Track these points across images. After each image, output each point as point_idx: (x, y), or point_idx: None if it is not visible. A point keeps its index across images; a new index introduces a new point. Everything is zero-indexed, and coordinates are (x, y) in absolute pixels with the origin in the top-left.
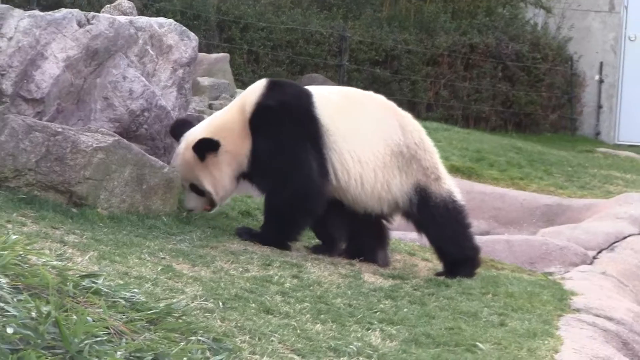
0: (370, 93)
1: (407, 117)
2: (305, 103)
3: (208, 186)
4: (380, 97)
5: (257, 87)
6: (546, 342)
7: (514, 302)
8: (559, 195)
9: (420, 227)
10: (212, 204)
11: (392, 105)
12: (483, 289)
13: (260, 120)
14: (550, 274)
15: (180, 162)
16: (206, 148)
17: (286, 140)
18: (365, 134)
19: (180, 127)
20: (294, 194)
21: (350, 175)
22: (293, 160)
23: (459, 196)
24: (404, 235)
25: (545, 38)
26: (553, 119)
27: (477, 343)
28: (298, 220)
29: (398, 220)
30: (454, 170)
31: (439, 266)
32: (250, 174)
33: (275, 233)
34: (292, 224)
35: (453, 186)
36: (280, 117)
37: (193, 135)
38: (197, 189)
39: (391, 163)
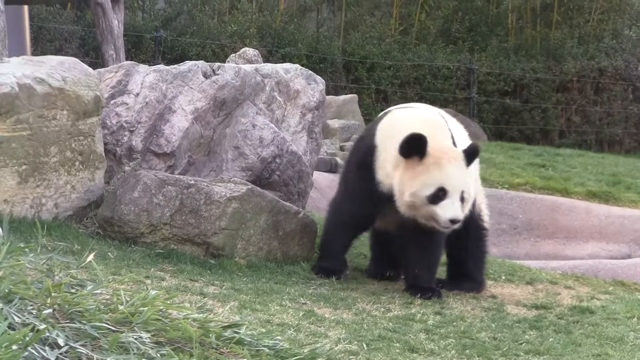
0: None
1: None
2: None
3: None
4: None
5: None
6: None
7: None
8: None
9: None
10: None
11: None
12: (628, 313)
13: None
14: None
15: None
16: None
17: None
18: None
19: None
20: None
21: None
22: None
23: None
24: (545, 265)
25: None
26: None
27: None
28: None
29: (537, 249)
30: (590, 195)
31: (582, 293)
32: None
33: None
34: None
35: None
36: None
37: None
38: (463, 197)
39: None
